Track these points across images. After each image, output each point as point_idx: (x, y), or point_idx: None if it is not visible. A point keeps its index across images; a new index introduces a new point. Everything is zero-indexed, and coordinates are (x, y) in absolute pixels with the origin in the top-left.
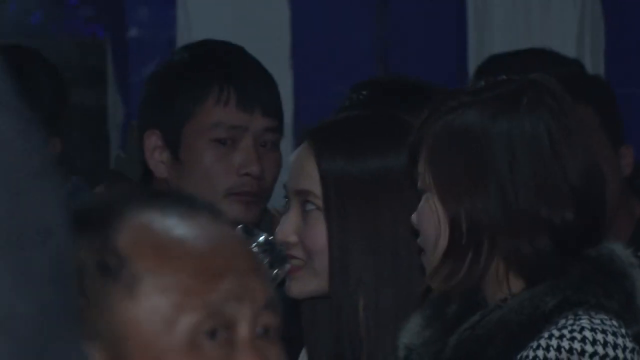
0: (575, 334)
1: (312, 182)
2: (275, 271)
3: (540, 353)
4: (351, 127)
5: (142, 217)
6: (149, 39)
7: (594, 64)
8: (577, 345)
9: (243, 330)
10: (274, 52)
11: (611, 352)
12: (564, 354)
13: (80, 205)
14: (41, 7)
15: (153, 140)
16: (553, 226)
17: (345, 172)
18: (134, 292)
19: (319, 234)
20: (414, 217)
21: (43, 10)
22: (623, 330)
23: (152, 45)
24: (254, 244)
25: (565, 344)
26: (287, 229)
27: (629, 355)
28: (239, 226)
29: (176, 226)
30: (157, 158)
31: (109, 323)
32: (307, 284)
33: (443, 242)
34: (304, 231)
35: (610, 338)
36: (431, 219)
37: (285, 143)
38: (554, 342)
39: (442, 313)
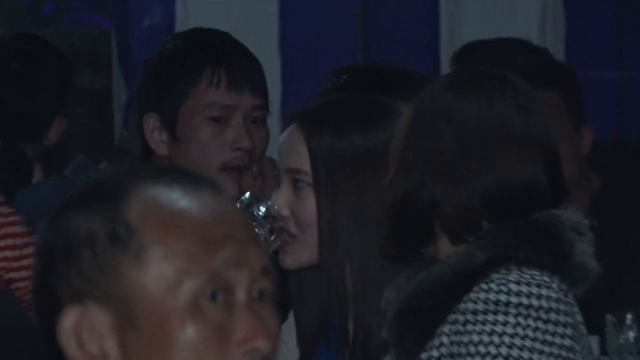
0: (502, 287)
1: (302, 161)
2: (274, 237)
3: (470, 305)
4: (336, 110)
5: (150, 191)
6: (150, 29)
7: (555, 50)
8: (502, 297)
9: (241, 294)
10: (264, 41)
11: (535, 302)
12: (491, 306)
13: (91, 180)
14: (52, 0)
15: (152, 122)
16: (488, 193)
17: (332, 150)
18: (141, 259)
19: (310, 208)
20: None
21: (54, 3)
22: (554, 284)
23: (152, 34)
24: (259, 212)
25: (492, 296)
26: (281, 203)
27: (553, 305)
28: (248, 193)
29: (180, 199)
30: (157, 137)
31: (119, 287)
32: (300, 256)
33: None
34: (296, 206)
35: (534, 290)
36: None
37: (274, 124)
38: (481, 295)
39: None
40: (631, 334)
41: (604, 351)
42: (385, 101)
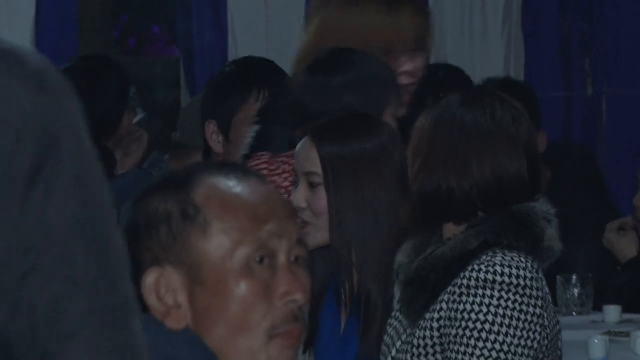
0: (489, 268)
1: (315, 165)
2: None
3: (464, 282)
4: (339, 124)
5: (211, 180)
6: (209, 56)
7: (518, 75)
8: (490, 276)
9: (282, 258)
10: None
11: (515, 281)
12: (480, 283)
13: (166, 172)
14: (135, 35)
15: (211, 127)
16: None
17: (337, 156)
18: (206, 232)
19: (322, 201)
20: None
21: (136, 37)
22: (530, 265)
23: (212, 61)
24: None
25: (482, 275)
26: (299, 199)
27: (528, 283)
28: None
29: (235, 186)
30: (215, 139)
31: (189, 254)
32: (314, 238)
33: None
34: (312, 200)
35: (514, 271)
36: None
37: None
38: (474, 274)
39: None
40: (575, 291)
41: (555, 304)
42: (375, 117)
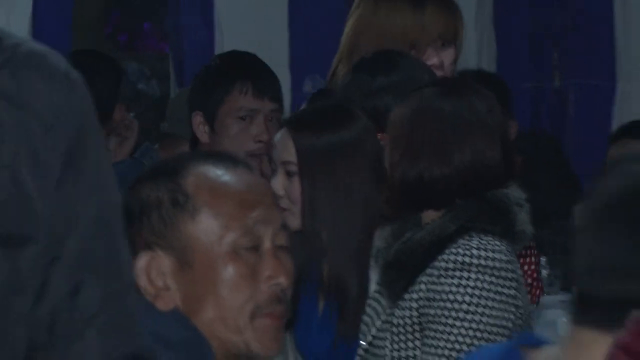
0: (466, 251)
1: (291, 155)
2: None
3: (443, 264)
4: (314, 116)
5: (201, 168)
6: (197, 51)
7: (490, 68)
8: (467, 259)
9: (267, 243)
10: (277, 62)
11: (490, 263)
12: (458, 265)
13: (157, 161)
14: (126, 31)
15: (198, 118)
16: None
17: (311, 147)
18: (195, 218)
19: (298, 189)
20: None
21: (128, 33)
22: (504, 248)
23: (199, 56)
24: None
25: (459, 257)
26: (277, 187)
27: (503, 265)
28: None
29: (223, 175)
30: (201, 130)
31: (179, 239)
32: (292, 223)
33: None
34: (288, 188)
35: (490, 254)
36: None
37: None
38: (451, 257)
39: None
40: (544, 272)
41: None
42: (350, 107)
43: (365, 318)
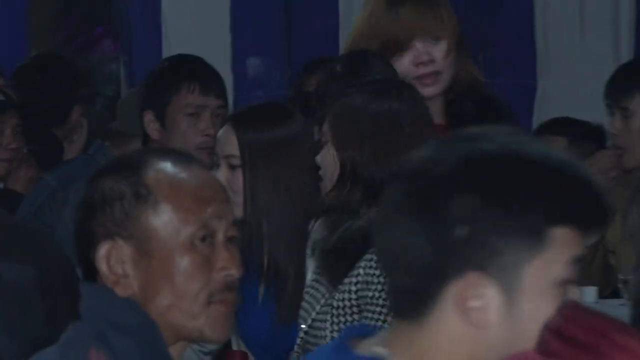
0: None
1: (234, 149)
2: None
3: (362, 263)
4: (255, 113)
5: (161, 164)
6: (146, 54)
7: None
8: None
9: (220, 237)
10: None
11: None
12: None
13: (120, 156)
14: (82, 35)
15: (148, 117)
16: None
17: (252, 141)
18: (156, 210)
19: (240, 180)
20: (318, 158)
21: (83, 37)
22: None
23: (148, 58)
24: None
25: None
26: (220, 178)
27: None
28: None
29: (181, 171)
30: (152, 127)
31: (139, 229)
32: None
33: (335, 175)
34: (230, 180)
35: None
36: (329, 160)
37: None
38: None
39: (337, 221)
40: None
41: None
42: (288, 106)
43: (305, 304)
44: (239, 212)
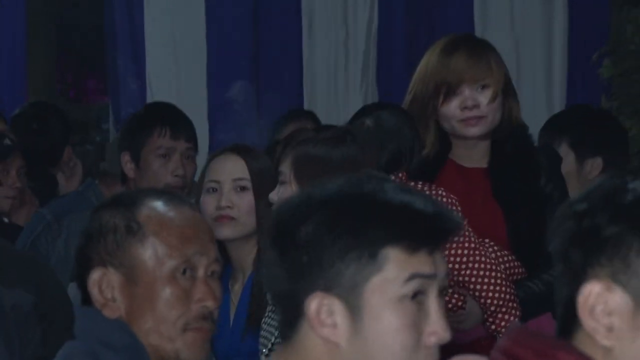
0: None
1: (245, 174)
2: None
3: None
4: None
5: (152, 203)
6: (132, 103)
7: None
8: None
9: (201, 272)
10: (196, 110)
11: None
12: None
13: (119, 193)
14: (74, 87)
15: (125, 157)
16: None
17: (259, 168)
18: (144, 244)
19: (247, 202)
20: (273, 195)
21: (77, 89)
22: None
23: (133, 106)
24: None
25: None
26: (227, 199)
27: None
28: None
29: (170, 210)
30: (129, 167)
31: (128, 260)
32: (234, 230)
33: None
34: (237, 200)
35: None
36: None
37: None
38: None
39: None
40: None
41: None
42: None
43: (263, 332)
44: (240, 229)
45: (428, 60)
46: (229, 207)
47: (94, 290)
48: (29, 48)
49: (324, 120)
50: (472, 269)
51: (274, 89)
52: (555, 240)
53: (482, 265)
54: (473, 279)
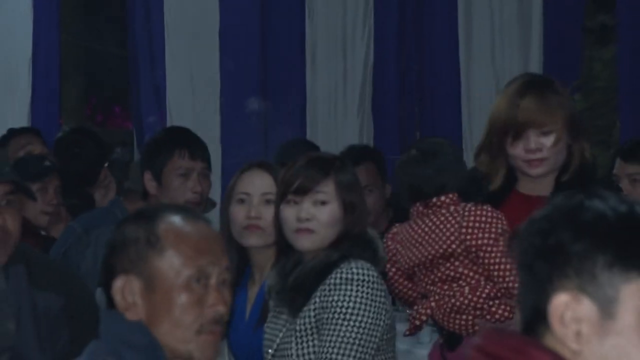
0: (349, 271)
1: (272, 189)
2: None
3: (332, 281)
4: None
5: (171, 218)
6: (153, 128)
7: (368, 142)
8: (349, 276)
9: (213, 280)
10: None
11: (367, 279)
12: (343, 280)
13: (142, 208)
14: (102, 113)
15: (147, 176)
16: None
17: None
18: (162, 255)
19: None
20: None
21: (104, 115)
22: (372, 269)
23: (154, 131)
24: None
25: (344, 275)
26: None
27: (376, 280)
28: None
29: (186, 225)
30: (150, 185)
31: (148, 269)
32: (263, 239)
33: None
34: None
35: (365, 272)
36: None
37: (215, 178)
38: (338, 275)
39: (284, 267)
40: None
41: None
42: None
43: (267, 335)
44: (266, 238)
45: (500, 101)
46: (257, 217)
47: (117, 296)
48: (62, 77)
49: (323, 143)
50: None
51: (280, 116)
52: (520, 254)
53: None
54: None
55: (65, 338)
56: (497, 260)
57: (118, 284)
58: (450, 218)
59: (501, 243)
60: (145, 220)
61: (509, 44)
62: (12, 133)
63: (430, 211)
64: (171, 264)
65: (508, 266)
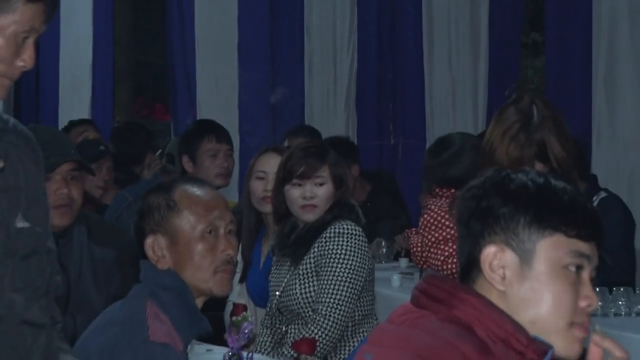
0: (341, 227)
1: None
2: None
3: (328, 234)
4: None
5: (185, 186)
6: (187, 119)
7: (352, 133)
8: (342, 230)
9: (222, 231)
10: (230, 124)
11: (355, 232)
12: (337, 233)
13: (161, 181)
14: (147, 108)
15: (185, 159)
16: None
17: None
18: (180, 215)
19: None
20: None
21: (147, 110)
22: (358, 227)
23: (187, 123)
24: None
25: (337, 230)
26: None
27: (361, 234)
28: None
29: (197, 190)
30: (188, 165)
31: (170, 228)
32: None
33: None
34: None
35: (353, 227)
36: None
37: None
38: (333, 230)
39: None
40: (384, 249)
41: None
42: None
43: (272, 280)
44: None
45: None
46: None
47: (149, 252)
48: (115, 81)
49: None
50: None
51: (284, 111)
52: (459, 214)
53: None
54: None
55: (116, 282)
56: None
57: (148, 242)
58: (444, 207)
59: None
60: (164, 190)
61: (463, 55)
62: (72, 124)
63: (432, 200)
64: (188, 221)
65: None
